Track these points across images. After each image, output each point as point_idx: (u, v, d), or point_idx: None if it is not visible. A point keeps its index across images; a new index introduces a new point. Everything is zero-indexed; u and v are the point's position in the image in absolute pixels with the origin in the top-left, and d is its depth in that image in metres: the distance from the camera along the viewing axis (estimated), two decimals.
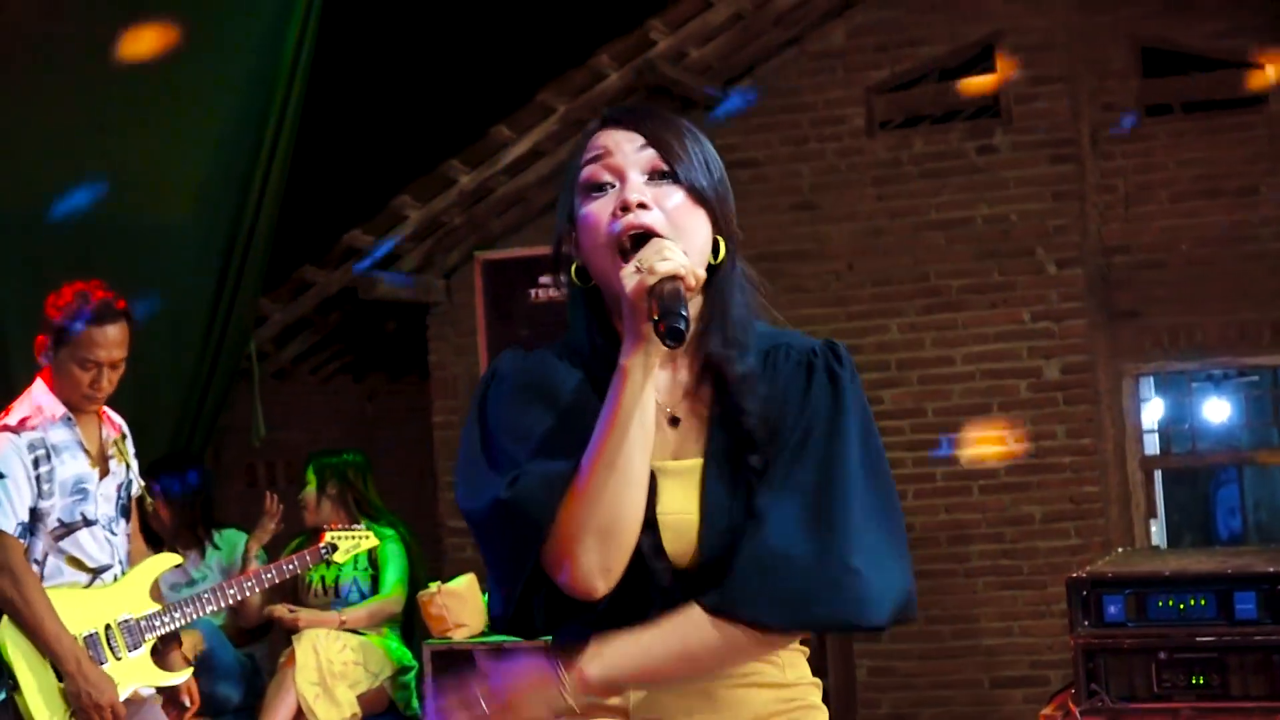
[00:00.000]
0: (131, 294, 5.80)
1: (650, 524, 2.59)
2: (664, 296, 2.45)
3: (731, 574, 2.57)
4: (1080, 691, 6.06)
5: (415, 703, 7.40)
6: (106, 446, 5.66)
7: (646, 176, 2.62)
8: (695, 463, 2.64)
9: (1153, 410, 10.11)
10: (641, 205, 2.57)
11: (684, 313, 2.43)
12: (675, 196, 2.61)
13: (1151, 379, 9.66)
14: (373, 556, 7.50)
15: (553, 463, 2.56)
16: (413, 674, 7.40)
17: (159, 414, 8.37)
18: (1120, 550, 7.53)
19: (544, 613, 2.65)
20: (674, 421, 2.65)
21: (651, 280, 2.46)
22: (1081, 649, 6.08)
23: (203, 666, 7.22)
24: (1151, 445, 9.55)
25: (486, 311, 7.09)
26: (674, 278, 2.46)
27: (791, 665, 2.75)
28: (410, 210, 9.00)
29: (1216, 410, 11.80)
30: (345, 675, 7.12)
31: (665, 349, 2.48)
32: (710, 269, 2.61)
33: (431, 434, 9.78)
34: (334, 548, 6.62)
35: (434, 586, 7.15)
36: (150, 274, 7.96)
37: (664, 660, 2.61)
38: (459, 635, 7.06)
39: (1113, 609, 6.07)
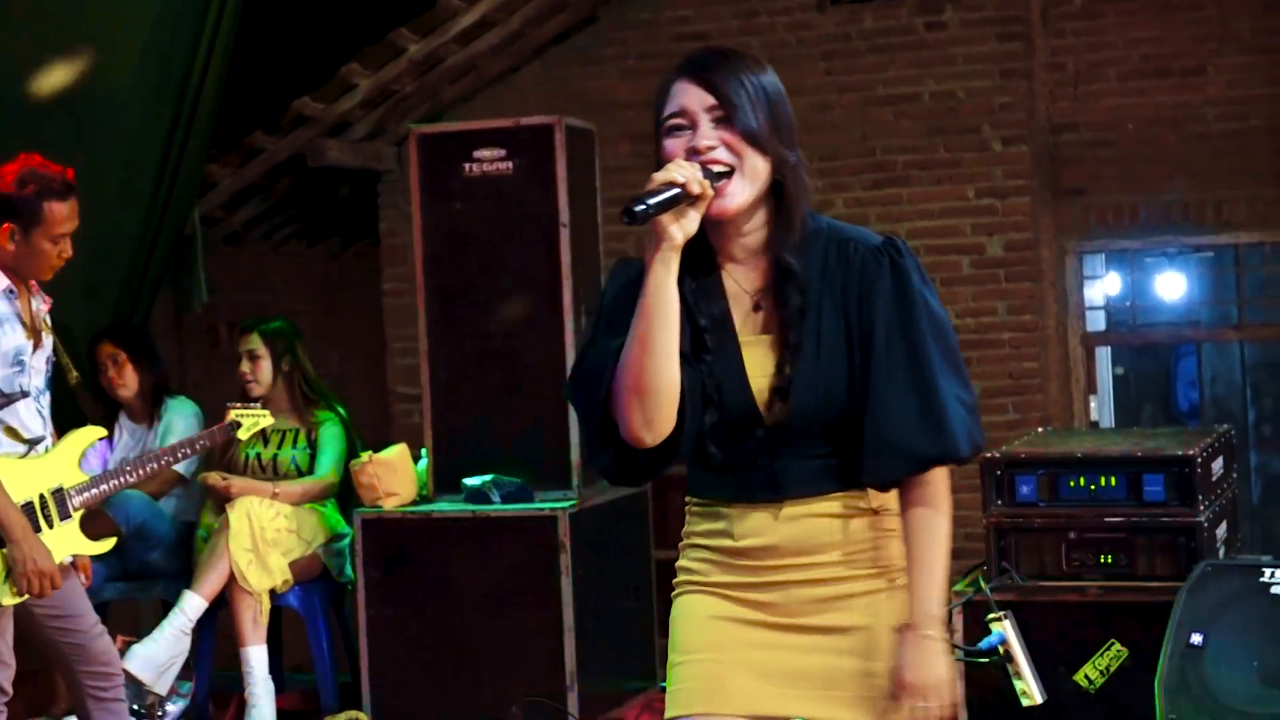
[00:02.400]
0: (80, 162, 5.87)
1: (742, 384, 3.31)
2: (644, 191, 3.14)
3: (868, 450, 3.28)
4: (991, 569, 6.17)
5: (349, 570, 7.50)
6: (38, 318, 5.72)
7: (714, 123, 3.27)
8: (777, 336, 3.34)
9: (1107, 286, 10.19)
10: (710, 147, 3.25)
11: (648, 201, 3.11)
12: (735, 138, 3.26)
13: (1102, 256, 9.73)
14: (312, 437, 7.56)
15: (617, 342, 3.26)
16: (347, 541, 7.48)
17: (108, 278, 8.41)
18: (1040, 430, 7.63)
19: (645, 464, 3.34)
20: (757, 307, 3.36)
21: (652, 185, 3.15)
22: (993, 527, 6.18)
23: (136, 536, 7.33)
24: (1098, 322, 9.63)
25: (421, 185, 7.10)
26: (670, 184, 3.15)
27: (867, 497, 3.36)
28: (360, 78, 9.00)
29: (1172, 287, 11.84)
30: (278, 543, 7.20)
31: (677, 245, 3.17)
32: (778, 186, 3.30)
33: (381, 300, 9.86)
34: (237, 424, 6.68)
35: (365, 456, 7.22)
36: (98, 141, 7.99)
37: (943, 552, 3.34)
38: (389, 504, 7.15)
39: (1025, 489, 6.17)
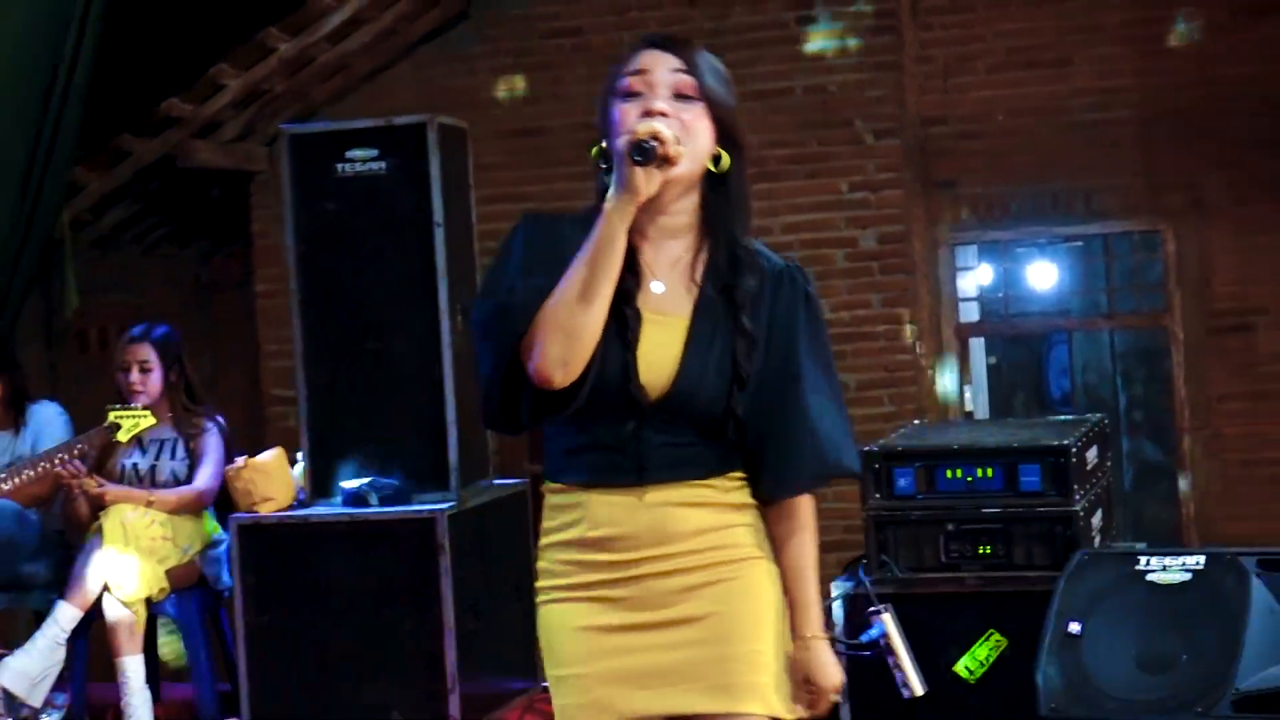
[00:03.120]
0: None
1: (631, 356, 3.28)
2: (637, 139, 3.15)
3: (789, 450, 3.34)
4: (872, 562, 6.19)
5: (227, 576, 7.41)
6: None
7: (674, 95, 3.26)
8: (677, 317, 3.32)
9: (979, 278, 10.25)
10: (662, 114, 3.23)
11: (650, 144, 3.12)
12: (693, 110, 3.26)
13: (975, 248, 9.80)
14: (190, 446, 7.46)
15: (542, 282, 3.23)
16: (224, 548, 7.40)
17: None
18: (916, 423, 7.67)
19: (530, 410, 3.32)
20: (659, 286, 3.33)
21: (636, 138, 3.15)
22: (873, 520, 6.20)
23: (4, 547, 7.21)
24: (970, 313, 9.70)
25: (293, 186, 7.03)
26: (653, 136, 3.14)
27: (729, 490, 3.37)
28: (229, 79, 8.92)
29: (1043, 277, 11.95)
30: (154, 550, 7.11)
31: (640, 201, 3.15)
32: (715, 177, 3.31)
33: (254, 302, 9.78)
34: (117, 426, 6.58)
35: (241, 461, 7.15)
36: None
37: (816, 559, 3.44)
38: (266, 509, 7.07)
39: (903, 481, 6.18)
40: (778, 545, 3.38)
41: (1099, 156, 9.01)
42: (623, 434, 3.32)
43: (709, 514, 3.35)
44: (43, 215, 8.41)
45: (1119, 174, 9.00)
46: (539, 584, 3.44)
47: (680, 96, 3.26)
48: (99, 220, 9.84)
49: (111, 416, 6.60)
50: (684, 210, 3.32)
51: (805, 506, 3.40)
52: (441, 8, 9.33)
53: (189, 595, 7.34)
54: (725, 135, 3.31)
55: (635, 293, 3.32)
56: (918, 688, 5.66)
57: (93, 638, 7.26)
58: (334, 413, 7.10)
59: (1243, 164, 8.83)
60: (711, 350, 3.31)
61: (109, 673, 7.09)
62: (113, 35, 8.19)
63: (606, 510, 3.32)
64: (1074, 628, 5.56)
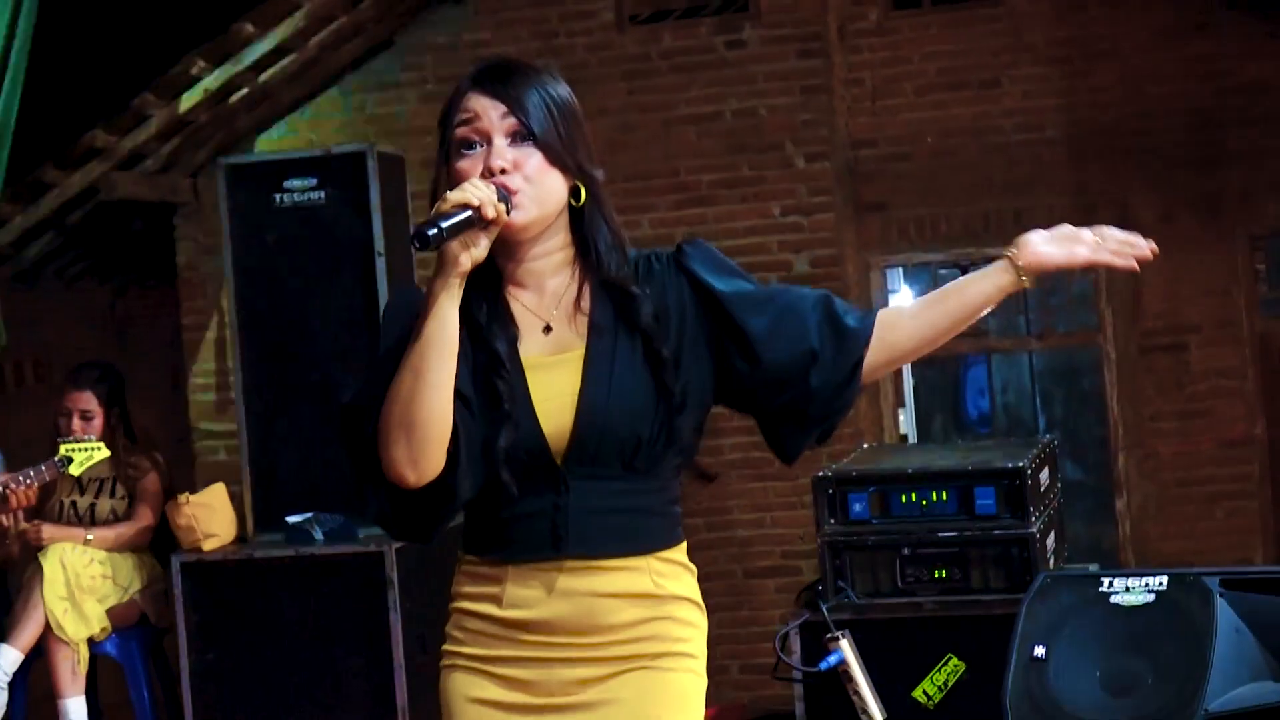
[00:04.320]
0: None
1: (528, 411, 3.06)
2: (435, 213, 2.92)
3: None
4: (827, 588, 6.16)
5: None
6: None
7: (509, 139, 3.06)
8: (571, 355, 3.11)
9: (902, 300, 10.25)
10: (504, 170, 3.03)
11: (441, 224, 2.88)
12: (534, 158, 3.06)
13: (900, 270, 9.80)
14: (130, 487, 7.36)
15: (391, 371, 3.00)
16: (163, 586, 7.30)
17: None
18: (866, 446, 7.64)
19: (424, 513, 3.07)
20: (547, 329, 3.14)
21: (445, 207, 2.92)
22: (827, 546, 6.18)
23: None
24: None
25: (232, 216, 6.94)
26: (464, 205, 2.91)
27: (666, 576, 3.16)
28: (153, 109, 8.79)
29: None
30: (94, 589, 7.02)
31: (463, 273, 2.95)
32: (576, 211, 3.13)
33: (181, 335, 9.64)
34: (69, 460, 6.47)
35: (183, 498, 7.05)
36: None
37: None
38: (209, 546, 6.98)
39: (857, 507, 6.17)
40: (913, 315, 3.25)
41: (1028, 176, 9.02)
42: (540, 500, 3.09)
43: (636, 606, 3.12)
44: None
45: (1048, 193, 9.01)
46: (444, 647, 3.22)
47: (518, 137, 3.05)
48: (20, 254, 9.67)
49: (63, 450, 6.48)
50: (554, 249, 3.15)
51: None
52: (365, 36, 9.24)
53: (130, 634, 7.24)
54: (574, 167, 3.11)
55: (515, 345, 3.11)
56: (877, 715, 5.65)
57: (33, 679, 7.14)
58: (275, 445, 7.03)
59: (1170, 182, 8.86)
60: (613, 374, 3.09)
61: (51, 714, 6.97)
62: (35, 65, 8.05)
63: (521, 592, 3.10)
64: (1039, 651, 5.55)
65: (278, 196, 6.92)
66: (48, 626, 6.88)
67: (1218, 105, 8.83)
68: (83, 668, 6.95)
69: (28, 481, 6.42)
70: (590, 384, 3.08)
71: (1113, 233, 3.32)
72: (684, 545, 3.22)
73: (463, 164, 3.05)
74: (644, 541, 3.13)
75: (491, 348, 3.08)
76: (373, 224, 6.86)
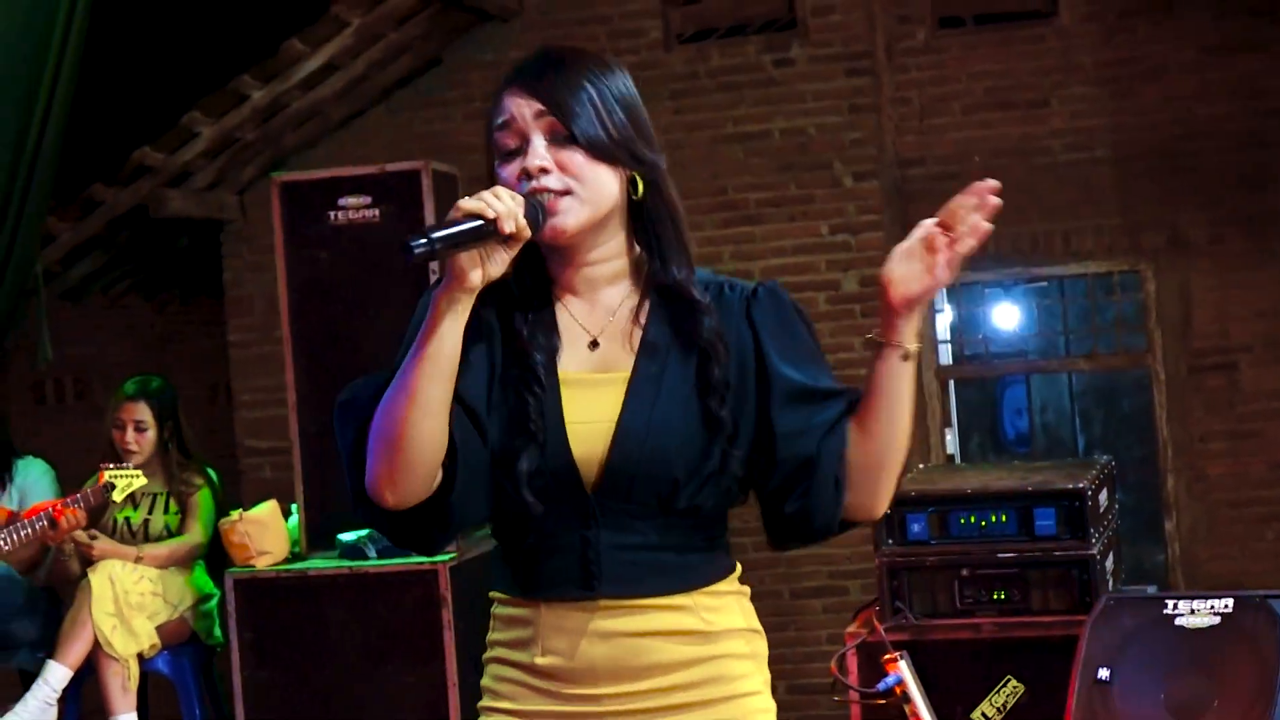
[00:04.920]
0: None
1: (558, 431, 2.78)
2: (444, 220, 2.64)
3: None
4: (885, 609, 6.12)
5: (218, 632, 7.30)
6: None
7: (549, 139, 2.78)
8: (617, 375, 2.83)
9: (944, 319, 10.22)
10: (542, 170, 2.76)
11: (433, 235, 2.56)
12: (577, 155, 2.78)
13: (943, 289, 9.75)
14: (183, 502, 7.35)
15: (389, 373, 2.78)
16: (214, 602, 7.29)
17: None
18: (921, 467, 7.61)
19: (450, 526, 2.82)
20: (594, 344, 2.87)
21: (455, 215, 2.64)
22: (886, 567, 6.13)
23: None
24: (945, 355, 9.66)
25: (285, 234, 6.93)
26: (474, 214, 2.61)
27: (714, 610, 2.87)
28: (201, 126, 8.82)
29: (1007, 317, 11.94)
30: (143, 606, 7.01)
31: (472, 289, 2.66)
32: (636, 208, 2.86)
33: (227, 352, 9.64)
34: (112, 486, 6.46)
35: (235, 514, 7.04)
36: None
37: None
38: (262, 563, 6.96)
39: (916, 527, 6.12)
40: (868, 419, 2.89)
41: (1076, 197, 8.99)
42: (569, 532, 2.79)
43: (684, 645, 2.82)
44: (16, 267, 8.28)
45: (1096, 214, 8.98)
46: (480, 703, 2.95)
47: (558, 137, 2.77)
48: (67, 271, 9.68)
49: (106, 475, 6.47)
50: (610, 254, 2.87)
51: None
52: (414, 54, 9.25)
53: (181, 651, 7.24)
54: (626, 158, 2.82)
55: (554, 358, 2.83)
56: None
57: (84, 696, 7.13)
58: (328, 463, 7.00)
59: (1221, 202, 8.82)
60: (657, 401, 2.79)
61: None
62: (84, 84, 8.07)
63: (556, 634, 2.80)
64: (1103, 674, 5.50)
65: (332, 214, 6.89)
66: (97, 643, 6.87)
67: (1267, 125, 8.79)
68: (133, 684, 6.94)
69: (75, 505, 6.42)
70: (631, 410, 2.79)
71: (956, 203, 2.90)
72: (736, 572, 2.94)
73: (504, 170, 2.80)
74: (688, 579, 2.85)
75: (528, 360, 2.81)
76: None
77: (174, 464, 7.32)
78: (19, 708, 6.82)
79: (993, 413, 14.31)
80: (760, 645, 2.94)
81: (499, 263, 2.66)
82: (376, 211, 6.88)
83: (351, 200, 6.86)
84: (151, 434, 7.33)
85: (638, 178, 2.84)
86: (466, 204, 2.63)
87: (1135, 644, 5.55)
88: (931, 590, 6.12)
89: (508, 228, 2.62)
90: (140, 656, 6.99)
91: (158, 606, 7.09)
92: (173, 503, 7.35)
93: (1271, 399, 8.83)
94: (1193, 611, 5.54)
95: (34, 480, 7.42)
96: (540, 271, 2.89)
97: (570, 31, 9.16)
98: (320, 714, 6.87)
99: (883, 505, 2.97)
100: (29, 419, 10.18)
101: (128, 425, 7.33)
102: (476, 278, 2.64)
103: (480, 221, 2.61)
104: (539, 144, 2.77)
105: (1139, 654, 5.53)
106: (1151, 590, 6.30)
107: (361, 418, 2.78)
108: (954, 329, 10.06)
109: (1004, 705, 5.97)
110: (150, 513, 7.35)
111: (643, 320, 2.87)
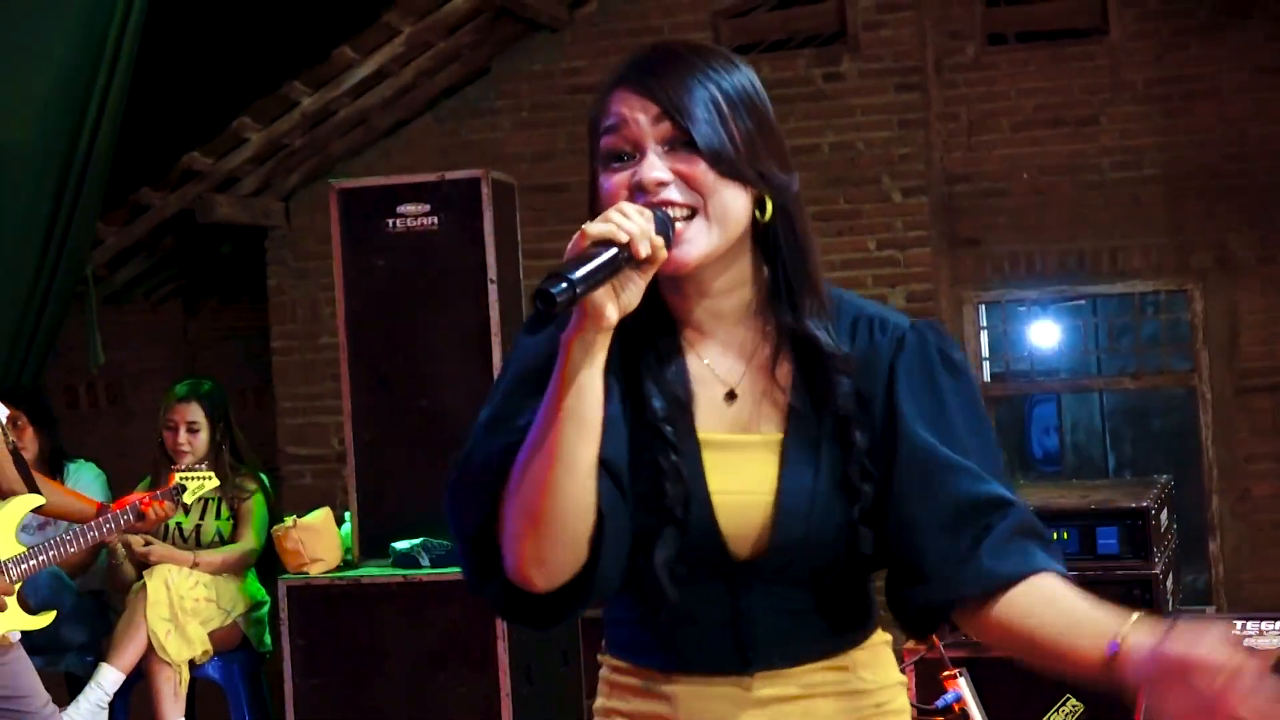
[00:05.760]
0: None
1: (704, 508, 2.41)
2: (573, 254, 2.22)
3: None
4: (944, 626, 6.09)
5: (268, 639, 7.28)
6: None
7: (666, 146, 2.39)
8: (761, 438, 2.44)
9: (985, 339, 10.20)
10: (660, 184, 2.37)
11: (573, 277, 2.16)
12: (698, 167, 2.38)
13: (987, 306, 9.75)
14: (235, 507, 7.34)
15: (522, 426, 2.35)
16: (266, 609, 7.28)
17: None
18: None
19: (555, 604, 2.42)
20: (730, 396, 2.46)
21: (584, 244, 2.23)
22: None
23: (43, 608, 7.06)
24: (987, 372, 9.65)
25: (343, 241, 6.90)
26: (607, 242, 2.22)
27: (868, 666, 2.59)
28: (250, 132, 8.81)
29: (1045, 336, 11.91)
30: (197, 612, 6.99)
31: (609, 327, 2.26)
32: (762, 234, 2.45)
33: (270, 359, 9.63)
34: (183, 488, 6.43)
35: (289, 521, 7.01)
36: None
37: None
38: (315, 570, 6.93)
39: None
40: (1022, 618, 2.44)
41: (1125, 215, 8.97)
42: (714, 602, 2.46)
43: (845, 703, 2.55)
44: (66, 270, 8.28)
45: (1145, 233, 8.96)
46: None
47: (677, 144, 2.38)
48: (113, 275, 9.67)
49: (177, 478, 6.44)
50: (737, 283, 2.46)
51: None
52: (463, 63, 9.24)
53: (231, 658, 7.22)
54: (754, 176, 2.41)
55: (692, 412, 2.45)
56: None
57: (135, 701, 7.11)
58: (382, 472, 6.98)
59: (1269, 222, 8.80)
60: (819, 471, 2.43)
61: None
62: (136, 87, 8.07)
63: (703, 707, 2.49)
64: None
65: (391, 221, 6.86)
66: (150, 648, 6.85)
67: None
68: (184, 689, 6.92)
69: (163, 499, 6.37)
70: (791, 482, 2.43)
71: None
72: (878, 621, 2.63)
73: (611, 181, 2.40)
74: (844, 638, 2.55)
75: (656, 415, 2.42)
76: (486, 251, 6.81)
77: (226, 467, 7.29)
78: (71, 710, 6.79)
79: (1021, 431, 14.27)
80: (906, 699, 2.66)
81: (635, 291, 2.27)
82: (435, 220, 6.85)
83: (410, 208, 6.83)
84: (204, 436, 7.30)
85: (766, 199, 2.43)
86: (595, 229, 2.23)
87: None
88: None
89: (643, 250, 2.24)
90: (192, 663, 6.97)
91: (211, 612, 7.07)
92: (225, 508, 7.33)
93: None
94: (1261, 633, 5.51)
95: (86, 484, 7.41)
96: (656, 301, 2.45)
97: (619, 42, 9.16)
98: None
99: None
100: (63, 424, 10.16)
101: (180, 427, 7.31)
102: (613, 314, 2.25)
103: (615, 250, 2.23)
104: (655, 153, 2.38)
105: None
106: (1211, 610, 6.27)
107: (488, 494, 2.36)
108: (991, 344, 10.05)
109: None
110: (202, 518, 7.32)
111: (782, 371, 2.48)
